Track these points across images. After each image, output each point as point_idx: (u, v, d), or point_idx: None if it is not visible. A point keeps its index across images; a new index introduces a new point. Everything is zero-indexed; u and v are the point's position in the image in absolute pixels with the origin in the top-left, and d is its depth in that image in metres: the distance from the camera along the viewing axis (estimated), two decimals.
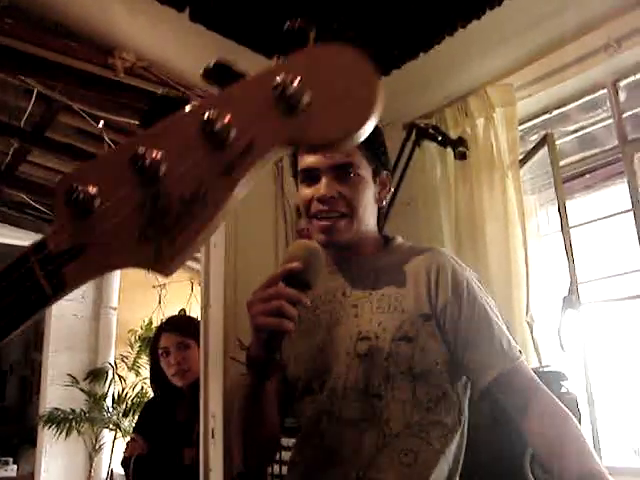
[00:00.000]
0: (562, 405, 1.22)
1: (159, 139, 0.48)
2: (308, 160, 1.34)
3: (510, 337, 1.29)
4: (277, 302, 1.09)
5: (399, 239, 1.48)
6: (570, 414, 1.20)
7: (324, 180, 1.32)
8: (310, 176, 1.35)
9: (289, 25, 0.50)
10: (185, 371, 2.64)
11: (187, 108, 0.50)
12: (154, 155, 0.47)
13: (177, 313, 5.89)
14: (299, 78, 0.46)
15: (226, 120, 0.46)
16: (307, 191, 1.35)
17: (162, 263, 0.47)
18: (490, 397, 1.29)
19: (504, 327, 1.30)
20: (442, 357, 1.28)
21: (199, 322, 2.85)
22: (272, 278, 1.14)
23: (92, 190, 0.48)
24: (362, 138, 0.46)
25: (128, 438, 2.89)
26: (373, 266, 1.38)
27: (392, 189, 1.49)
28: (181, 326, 2.77)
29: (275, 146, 0.47)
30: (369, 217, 1.38)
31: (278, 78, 0.46)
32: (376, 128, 1.43)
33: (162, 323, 2.93)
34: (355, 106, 0.46)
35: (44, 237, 0.50)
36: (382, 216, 1.52)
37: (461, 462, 1.30)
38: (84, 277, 0.49)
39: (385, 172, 1.43)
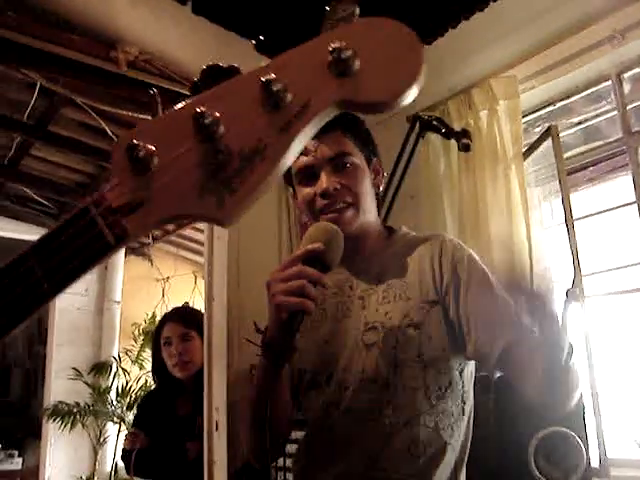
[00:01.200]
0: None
1: (219, 100, 0.52)
2: (302, 160, 1.33)
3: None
4: (299, 282, 1.08)
5: (403, 229, 1.48)
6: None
7: (323, 175, 1.31)
8: (307, 175, 1.34)
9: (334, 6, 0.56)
10: (186, 362, 2.64)
11: (245, 73, 0.54)
12: (214, 113, 0.50)
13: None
14: (351, 44, 0.49)
15: (284, 82, 0.50)
16: (307, 190, 1.34)
17: (224, 212, 0.50)
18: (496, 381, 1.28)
19: (510, 300, 1.26)
20: (448, 343, 1.27)
21: (201, 312, 2.86)
22: (293, 258, 1.13)
23: (152, 147, 0.51)
24: (408, 100, 0.51)
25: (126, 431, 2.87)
26: (378, 258, 1.39)
27: (385, 174, 1.49)
28: (185, 317, 2.76)
29: (328, 106, 0.51)
30: (371, 205, 1.39)
31: (332, 44, 0.49)
32: (357, 117, 1.42)
33: (167, 313, 2.93)
34: (401, 70, 0.50)
35: (103, 191, 0.52)
36: (380, 204, 1.53)
37: (467, 452, 1.30)
38: (145, 227, 0.53)
39: (375, 159, 1.44)
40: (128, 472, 2.61)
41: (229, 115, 0.51)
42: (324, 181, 1.30)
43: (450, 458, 1.24)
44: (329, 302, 1.39)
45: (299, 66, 0.52)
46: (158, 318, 6.07)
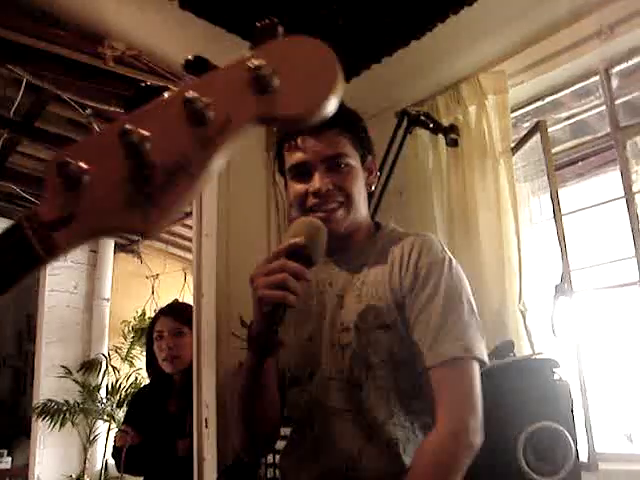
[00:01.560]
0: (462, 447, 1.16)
1: (145, 118, 0.55)
2: (297, 155, 1.33)
3: (464, 332, 1.23)
4: (281, 275, 1.10)
5: (390, 226, 1.47)
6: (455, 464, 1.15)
7: (317, 174, 1.31)
8: (301, 171, 1.34)
9: (261, 24, 0.57)
10: (175, 357, 2.64)
11: (171, 91, 0.56)
12: (140, 131, 0.52)
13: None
14: (271, 63, 0.53)
15: (206, 100, 0.53)
16: (299, 186, 1.34)
17: (148, 226, 0.53)
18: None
19: (462, 318, 1.24)
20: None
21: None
22: (276, 253, 1.15)
23: (82, 163, 0.53)
24: (326, 113, 0.53)
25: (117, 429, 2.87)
26: (360, 255, 1.38)
27: (378, 174, 1.49)
28: (179, 312, 2.78)
29: (248, 122, 0.54)
30: (362, 205, 1.38)
31: (252, 63, 0.52)
32: (356, 115, 1.43)
33: (162, 307, 2.97)
34: (318, 86, 0.53)
35: (35, 207, 0.55)
36: (371, 201, 1.53)
37: None
38: (75, 241, 0.55)
39: (370, 157, 1.43)
40: (119, 469, 2.61)
41: (155, 132, 0.53)
42: (317, 180, 1.30)
43: None
44: (314, 300, 1.39)
45: (222, 84, 0.55)
46: (148, 315, 6.10)
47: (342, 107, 1.41)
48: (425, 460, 1.15)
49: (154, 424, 2.60)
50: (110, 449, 5.64)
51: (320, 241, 1.17)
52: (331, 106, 0.53)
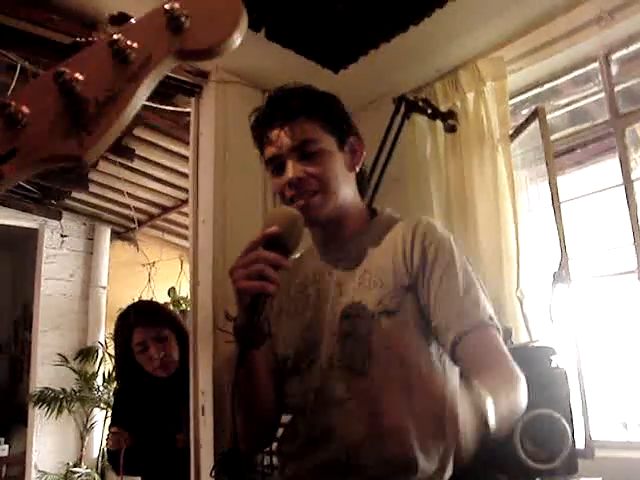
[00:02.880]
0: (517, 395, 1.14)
1: (77, 61, 0.64)
2: (270, 150, 1.34)
3: (485, 302, 1.24)
4: (258, 265, 1.11)
5: (387, 211, 1.46)
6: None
7: (289, 164, 1.32)
8: (276, 165, 1.35)
9: None
10: (168, 363, 2.56)
11: (98, 38, 0.66)
12: (73, 71, 0.61)
13: (167, 292, 5.90)
14: (182, 5, 0.63)
15: (129, 41, 0.63)
16: (277, 180, 1.36)
17: (83, 150, 0.61)
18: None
19: (479, 291, 1.26)
20: (425, 329, 1.26)
21: (166, 307, 2.78)
22: (252, 243, 1.16)
23: (21, 104, 0.61)
24: (232, 46, 0.63)
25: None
26: (358, 242, 1.38)
27: (365, 153, 1.46)
28: (153, 317, 2.62)
29: (165, 57, 0.64)
30: (345, 188, 1.37)
31: (166, 6, 0.63)
32: (331, 97, 1.42)
33: (129, 315, 2.65)
34: (224, 21, 0.64)
35: None
36: (365, 183, 1.50)
37: None
38: (20, 171, 0.62)
39: (352, 138, 1.41)
40: (117, 472, 2.52)
41: (86, 71, 0.62)
42: (290, 171, 1.31)
43: (437, 444, 1.22)
44: (311, 289, 1.39)
45: (142, 28, 0.65)
46: None
47: (309, 92, 1.42)
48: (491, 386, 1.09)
49: (147, 422, 2.53)
50: (106, 437, 5.66)
51: (295, 229, 1.19)
52: (237, 38, 0.64)
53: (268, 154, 1.35)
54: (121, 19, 0.69)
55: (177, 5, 0.63)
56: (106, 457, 2.72)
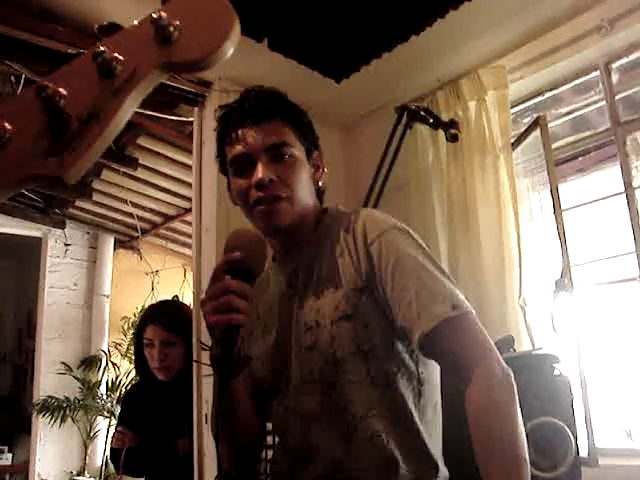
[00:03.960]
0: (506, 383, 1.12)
1: (61, 76, 0.61)
2: (238, 148, 1.27)
3: (445, 291, 1.17)
4: (224, 298, 1.07)
5: (331, 210, 1.40)
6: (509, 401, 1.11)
7: (259, 164, 1.24)
8: (243, 165, 1.28)
9: None
10: (167, 368, 2.55)
11: (82, 53, 0.63)
12: (55, 86, 0.58)
13: (171, 299, 5.90)
14: (171, 16, 0.60)
15: (114, 54, 0.59)
16: (241, 182, 1.28)
17: (65, 169, 0.58)
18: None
19: (436, 279, 1.18)
20: (387, 328, 1.21)
21: (187, 311, 2.79)
22: (216, 272, 1.12)
23: (5, 122, 0.58)
24: (223, 57, 0.60)
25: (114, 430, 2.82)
26: (309, 248, 1.33)
27: (326, 170, 1.41)
28: (169, 321, 2.64)
29: (151, 69, 0.61)
30: (308, 198, 1.32)
31: (154, 15, 0.60)
32: (300, 109, 1.40)
33: (149, 311, 2.78)
34: (214, 33, 0.60)
35: None
36: (321, 201, 1.42)
37: (436, 437, 1.25)
38: (4, 190, 0.60)
39: (316, 152, 1.38)
40: (117, 471, 2.56)
41: (70, 86, 0.59)
42: (260, 171, 1.24)
43: (417, 442, 1.20)
44: (277, 306, 1.36)
45: (129, 40, 0.62)
46: None
47: (283, 100, 1.39)
48: (478, 409, 1.10)
49: (151, 424, 2.55)
50: (111, 438, 5.67)
51: (258, 252, 1.15)
52: (228, 50, 0.60)
53: (234, 152, 1.28)
54: (111, 29, 0.66)
55: (165, 15, 0.60)
56: (109, 455, 2.71)
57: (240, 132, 1.27)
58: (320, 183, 1.39)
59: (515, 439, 1.06)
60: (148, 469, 2.59)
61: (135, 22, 0.64)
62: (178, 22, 0.60)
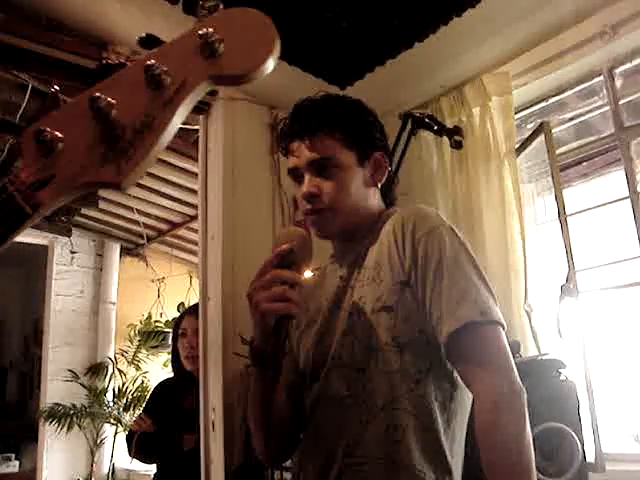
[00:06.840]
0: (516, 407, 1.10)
1: (111, 86, 0.64)
2: (292, 160, 1.36)
3: (478, 296, 1.17)
4: (281, 287, 1.12)
5: (391, 209, 1.43)
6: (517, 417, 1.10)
7: (306, 177, 1.33)
8: (297, 176, 1.36)
9: (202, 3, 0.67)
10: (195, 357, 2.75)
11: (132, 62, 0.67)
12: (106, 97, 0.61)
13: (176, 307, 5.93)
14: (217, 30, 0.63)
15: (164, 67, 0.62)
16: (297, 190, 1.38)
17: (122, 177, 0.61)
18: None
19: (472, 283, 1.19)
20: (425, 325, 1.21)
21: None
22: (265, 265, 1.17)
23: (56, 131, 0.62)
24: (266, 71, 0.64)
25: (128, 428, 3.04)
26: (362, 242, 1.37)
27: (389, 168, 1.45)
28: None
29: (201, 82, 0.64)
30: (360, 203, 1.36)
31: (201, 31, 0.62)
32: (358, 109, 1.42)
33: (189, 306, 3.19)
34: (258, 48, 0.64)
35: (17, 170, 0.63)
36: (393, 195, 1.50)
37: (458, 445, 1.24)
38: (57, 198, 0.63)
39: (376, 154, 1.39)
40: (130, 453, 2.73)
41: (121, 97, 0.62)
42: (305, 185, 1.32)
43: (435, 444, 1.18)
44: (325, 297, 1.39)
45: (176, 53, 0.64)
46: (154, 319, 6.12)
47: (334, 104, 1.41)
48: (479, 429, 1.10)
49: (169, 417, 2.70)
50: (117, 452, 5.70)
51: (305, 248, 1.20)
52: (271, 65, 0.64)
53: (289, 165, 1.37)
54: (151, 41, 0.69)
55: (212, 30, 0.62)
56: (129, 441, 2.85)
57: (290, 146, 1.36)
58: (380, 184, 1.42)
59: (519, 461, 1.06)
60: (154, 457, 2.78)
61: (179, 35, 0.66)
62: (222, 36, 0.63)
